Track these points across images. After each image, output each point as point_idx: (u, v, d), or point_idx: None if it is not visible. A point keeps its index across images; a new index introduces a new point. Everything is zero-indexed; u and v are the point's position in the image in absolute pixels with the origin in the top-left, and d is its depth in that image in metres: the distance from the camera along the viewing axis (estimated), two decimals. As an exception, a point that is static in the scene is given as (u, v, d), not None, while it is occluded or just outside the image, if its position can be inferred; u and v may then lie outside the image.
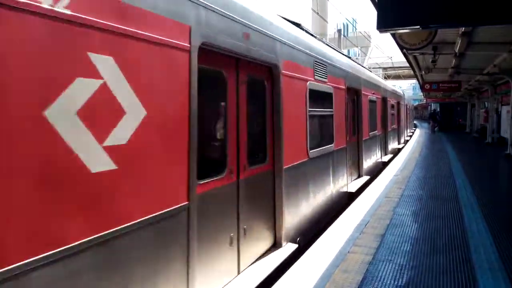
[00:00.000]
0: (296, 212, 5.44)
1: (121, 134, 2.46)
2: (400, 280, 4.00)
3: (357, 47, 33.88)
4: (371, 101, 11.52)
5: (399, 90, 23.24)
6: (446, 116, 34.63)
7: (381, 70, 38.43)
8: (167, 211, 2.87)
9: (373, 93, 11.90)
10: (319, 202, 6.48)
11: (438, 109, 36.00)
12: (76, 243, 2.13)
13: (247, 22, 4.13)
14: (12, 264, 1.80)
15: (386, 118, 15.06)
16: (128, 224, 2.48)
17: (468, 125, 31.90)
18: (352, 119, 9.35)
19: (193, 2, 3.21)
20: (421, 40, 9.28)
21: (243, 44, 4.01)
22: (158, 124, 2.79)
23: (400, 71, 41.77)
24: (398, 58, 36.61)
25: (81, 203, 2.18)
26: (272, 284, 4.03)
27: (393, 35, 9.63)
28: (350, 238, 5.24)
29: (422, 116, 64.92)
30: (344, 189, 8.21)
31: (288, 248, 4.91)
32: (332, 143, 7.17)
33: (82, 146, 2.18)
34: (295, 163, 5.39)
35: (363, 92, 10.08)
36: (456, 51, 11.14)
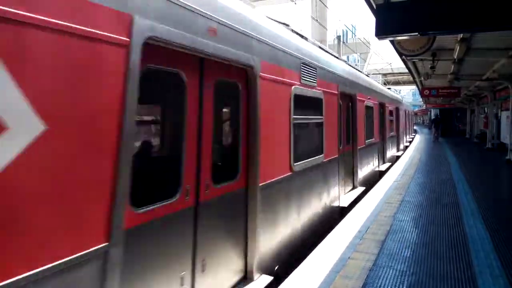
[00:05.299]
0: (275, 237, 4.64)
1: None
2: (400, 286, 3.99)
3: (356, 53, 34.04)
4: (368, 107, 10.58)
5: (399, 96, 23.44)
6: (446, 122, 34.67)
7: (380, 76, 38.55)
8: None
9: (369, 99, 10.84)
10: (305, 223, 5.61)
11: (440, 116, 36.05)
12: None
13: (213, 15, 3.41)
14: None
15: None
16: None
17: (468, 131, 31.91)
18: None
19: None
20: (419, 46, 9.33)
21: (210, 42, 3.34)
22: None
23: (399, 77, 41.90)
24: (397, 64, 36.76)
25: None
26: None
27: (392, 42, 9.70)
28: (351, 244, 5.24)
29: (423, 122, 64.62)
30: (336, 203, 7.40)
31: (262, 281, 4.10)
32: (322, 153, 6.47)
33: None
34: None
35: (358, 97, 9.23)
36: (455, 57, 11.19)
